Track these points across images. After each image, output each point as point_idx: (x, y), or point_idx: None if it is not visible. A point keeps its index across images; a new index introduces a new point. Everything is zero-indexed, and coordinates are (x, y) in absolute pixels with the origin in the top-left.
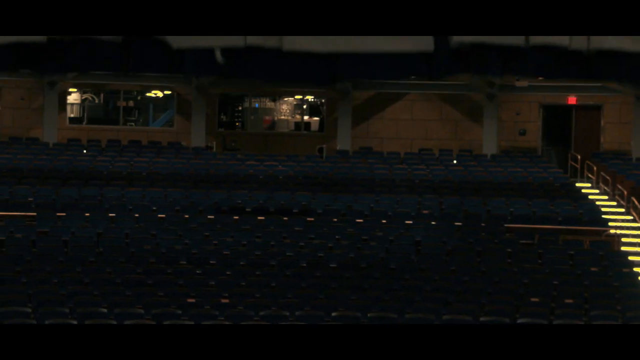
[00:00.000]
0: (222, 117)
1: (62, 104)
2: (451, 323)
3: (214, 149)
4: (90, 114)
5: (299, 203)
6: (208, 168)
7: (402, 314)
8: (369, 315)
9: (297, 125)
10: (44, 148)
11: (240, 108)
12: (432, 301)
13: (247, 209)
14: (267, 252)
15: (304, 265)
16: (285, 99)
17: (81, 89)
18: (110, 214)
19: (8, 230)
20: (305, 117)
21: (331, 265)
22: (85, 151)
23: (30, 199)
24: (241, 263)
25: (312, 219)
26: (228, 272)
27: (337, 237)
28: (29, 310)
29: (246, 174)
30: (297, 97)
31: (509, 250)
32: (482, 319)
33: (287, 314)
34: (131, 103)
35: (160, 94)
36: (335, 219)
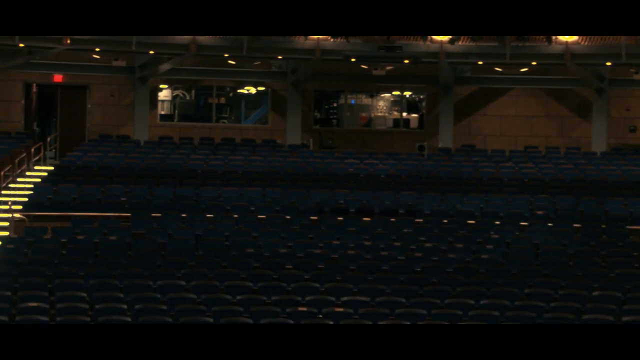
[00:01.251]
0: (316, 114)
1: (153, 100)
2: (592, 323)
3: (311, 147)
4: (182, 110)
5: (405, 203)
6: (306, 166)
7: (540, 315)
8: (501, 319)
9: (396, 122)
10: (135, 146)
11: (335, 105)
12: (564, 310)
13: (350, 210)
14: (378, 256)
15: (419, 270)
16: (382, 95)
17: (172, 86)
18: (208, 215)
19: (101, 232)
20: (404, 114)
21: (447, 270)
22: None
23: (123, 199)
24: (351, 268)
25: (420, 220)
26: (338, 278)
27: (449, 239)
28: (129, 319)
29: (346, 172)
30: (394, 93)
31: (635, 254)
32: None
33: (408, 323)
34: (223, 100)
35: (253, 91)
36: (445, 220)
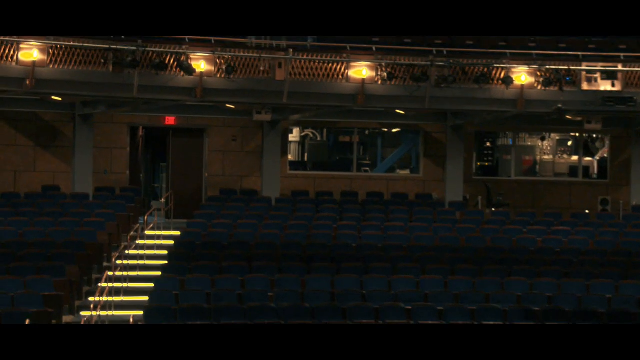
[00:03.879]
0: (477, 161)
1: (284, 146)
2: None
3: (479, 206)
4: (314, 155)
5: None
6: (483, 238)
7: None
8: None
9: (572, 169)
10: (267, 206)
11: (489, 145)
12: None
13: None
14: None
15: None
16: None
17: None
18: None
19: None
20: (573, 157)
21: None
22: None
23: (270, 294)
24: None
25: None
26: None
27: None
28: None
29: (537, 247)
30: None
31: None
32: None
33: None
34: (356, 138)
35: (394, 128)
36: None
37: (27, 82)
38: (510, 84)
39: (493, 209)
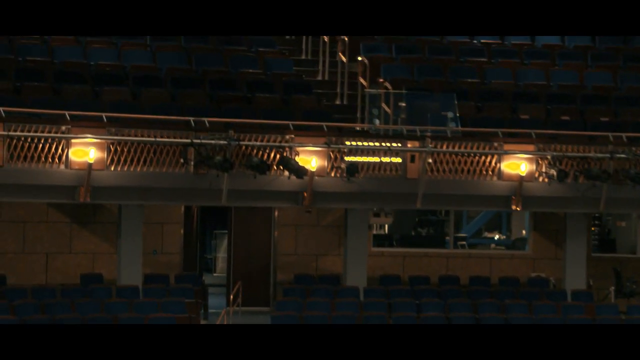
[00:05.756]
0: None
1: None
2: None
3: (611, 297)
4: (399, 227)
5: None
6: None
7: None
8: None
9: None
10: (355, 302)
11: None
12: None
13: None
14: None
15: None
16: None
17: None
18: None
19: None
20: None
21: None
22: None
23: None
24: None
25: None
26: None
27: None
28: None
29: None
30: None
31: None
32: None
33: None
34: None
35: None
36: None
37: (81, 192)
38: None
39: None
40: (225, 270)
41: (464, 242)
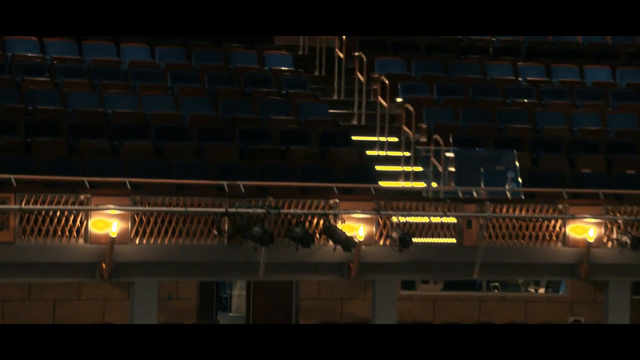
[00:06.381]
0: None
1: None
2: None
3: None
4: None
5: None
6: None
7: None
8: None
9: None
10: None
11: None
12: None
13: None
14: None
15: None
16: None
17: None
18: None
19: None
20: None
21: None
22: None
23: None
24: None
25: None
26: None
27: None
28: None
29: None
30: None
31: None
32: None
33: None
34: None
35: None
36: None
37: (103, 268)
38: None
39: None
40: (241, 309)
41: (497, 284)
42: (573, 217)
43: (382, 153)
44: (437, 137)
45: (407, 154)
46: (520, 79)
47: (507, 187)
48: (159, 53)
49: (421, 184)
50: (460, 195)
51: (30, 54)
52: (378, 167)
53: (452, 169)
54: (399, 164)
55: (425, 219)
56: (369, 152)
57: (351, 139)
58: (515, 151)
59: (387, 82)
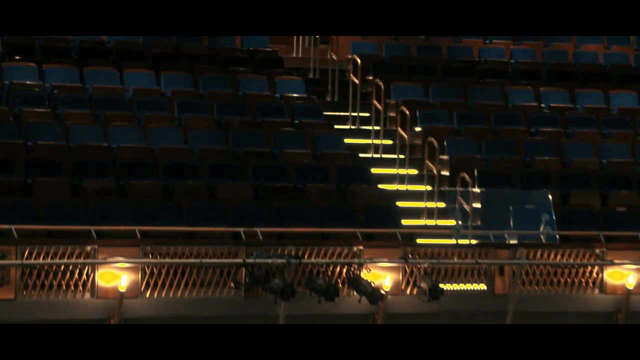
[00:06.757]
0: None
1: None
2: None
3: None
4: None
5: None
6: None
7: None
8: None
9: None
10: None
11: None
12: None
13: None
14: None
15: None
16: None
17: None
18: None
19: None
20: None
21: None
22: None
23: None
24: None
25: None
26: None
27: None
28: None
29: None
30: None
31: None
32: None
33: None
34: None
35: None
36: None
37: (111, 324)
38: None
39: None
40: None
41: None
42: (612, 264)
43: (402, 187)
44: (464, 175)
45: (429, 187)
46: (542, 105)
47: (541, 230)
48: (164, 79)
49: (447, 222)
50: (492, 239)
51: (28, 82)
52: (399, 203)
53: (478, 205)
54: (421, 199)
55: (455, 267)
56: (389, 187)
57: (370, 172)
58: (548, 191)
59: (407, 112)
